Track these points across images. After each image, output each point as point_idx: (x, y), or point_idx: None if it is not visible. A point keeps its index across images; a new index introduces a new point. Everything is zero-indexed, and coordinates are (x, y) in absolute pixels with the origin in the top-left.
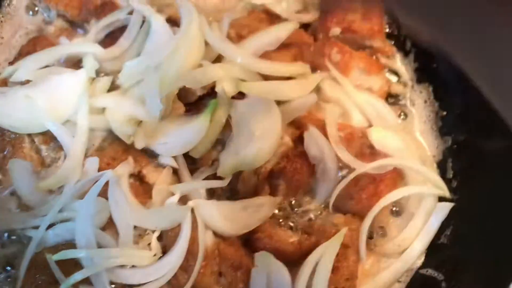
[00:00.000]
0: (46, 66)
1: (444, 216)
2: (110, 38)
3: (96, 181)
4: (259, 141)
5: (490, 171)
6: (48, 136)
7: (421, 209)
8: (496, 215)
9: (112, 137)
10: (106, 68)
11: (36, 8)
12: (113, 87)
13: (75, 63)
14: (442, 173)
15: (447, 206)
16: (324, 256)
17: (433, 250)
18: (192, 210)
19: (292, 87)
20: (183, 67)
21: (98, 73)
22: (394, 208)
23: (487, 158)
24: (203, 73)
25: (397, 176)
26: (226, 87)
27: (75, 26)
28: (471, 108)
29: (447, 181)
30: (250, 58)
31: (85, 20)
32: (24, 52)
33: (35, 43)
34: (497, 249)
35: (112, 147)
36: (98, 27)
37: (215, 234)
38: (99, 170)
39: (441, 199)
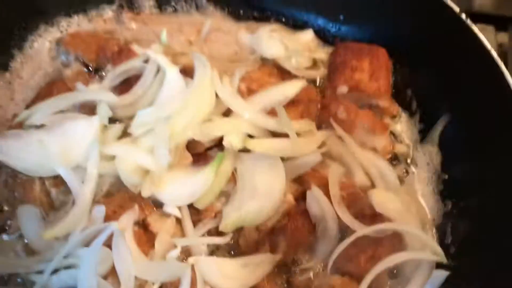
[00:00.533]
0: (62, 111)
1: (439, 284)
2: (125, 85)
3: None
4: (262, 198)
5: (491, 239)
6: (58, 180)
7: (417, 275)
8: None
9: (120, 182)
10: (118, 114)
11: (56, 52)
12: (124, 133)
13: (90, 108)
14: (441, 238)
15: (442, 275)
16: None
17: None
18: (193, 266)
19: (297, 145)
20: (193, 119)
21: (110, 118)
22: (392, 272)
23: (487, 226)
24: (211, 127)
25: (396, 240)
26: (233, 141)
27: (92, 70)
28: (473, 173)
29: (446, 247)
30: (257, 114)
31: (101, 65)
32: (41, 95)
33: (53, 87)
34: None
35: (120, 194)
36: (114, 74)
37: None
38: (106, 217)
39: (439, 265)
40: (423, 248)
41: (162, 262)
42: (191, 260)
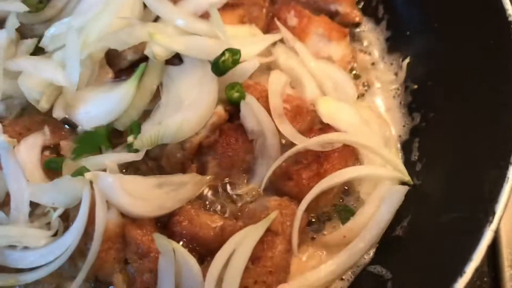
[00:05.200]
0: None
1: (399, 202)
2: None
3: None
4: (187, 110)
5: (460, 154)
6: None
7: (375, 195)
8: (462, 206)
9: (32, 106)
10: (37, 31)
11: None
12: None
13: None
14: (407, 155)
15: (402, 190)
16: (242, 242)
17: (386, 243)
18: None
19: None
20: (109, 27)
21: (30, 36)
22: (343, 193)
23: (458, 140)
24: (128, 32)
25: (348, 155)
26: (156, 50)
27: None
28: (445, 82)
29: (411, 164)
30: (187, 18)
31: None
32: None
33: None
34: (454, 247)
35: (30, 116)
36: None
37: (123, 214)
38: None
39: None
40: (384, 165)
41: (56, 181)
42: (88, 175)
